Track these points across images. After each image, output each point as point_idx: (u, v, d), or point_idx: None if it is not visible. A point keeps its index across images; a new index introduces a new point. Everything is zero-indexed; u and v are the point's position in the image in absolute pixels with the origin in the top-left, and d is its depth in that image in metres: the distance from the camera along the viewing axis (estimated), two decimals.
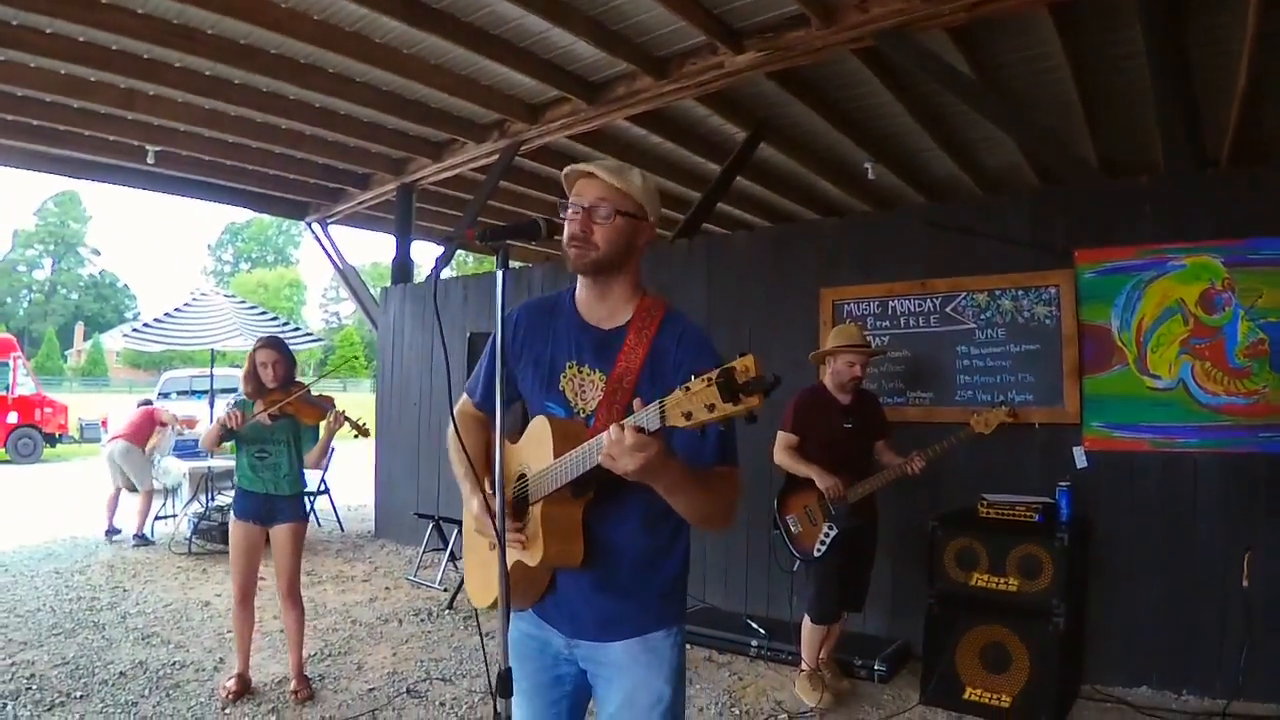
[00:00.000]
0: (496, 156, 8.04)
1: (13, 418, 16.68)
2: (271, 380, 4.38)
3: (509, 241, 1.91)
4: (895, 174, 8.94)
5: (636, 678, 1.95)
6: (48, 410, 17.49)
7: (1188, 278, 4.36)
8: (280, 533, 4.36)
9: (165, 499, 9.19)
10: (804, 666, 4.41)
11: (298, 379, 4.59)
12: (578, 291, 2.04)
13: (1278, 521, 4.10)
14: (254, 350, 4.43)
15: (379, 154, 8.63)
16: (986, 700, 4.02)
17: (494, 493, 1.85)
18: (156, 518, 8.75)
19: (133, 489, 8.56)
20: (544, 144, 7.89)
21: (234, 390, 17.21)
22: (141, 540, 8.34)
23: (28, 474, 14.83)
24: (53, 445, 17.66)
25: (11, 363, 16.88)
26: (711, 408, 1.43)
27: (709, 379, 1.43)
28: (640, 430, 1.58)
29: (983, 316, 4.94)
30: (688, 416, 1.47)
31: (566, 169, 2.00)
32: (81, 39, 5.96)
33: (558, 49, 6.20)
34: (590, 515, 1.91)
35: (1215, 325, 4.31)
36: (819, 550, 4.28)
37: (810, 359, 4.78)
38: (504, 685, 1.77)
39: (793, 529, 4.42)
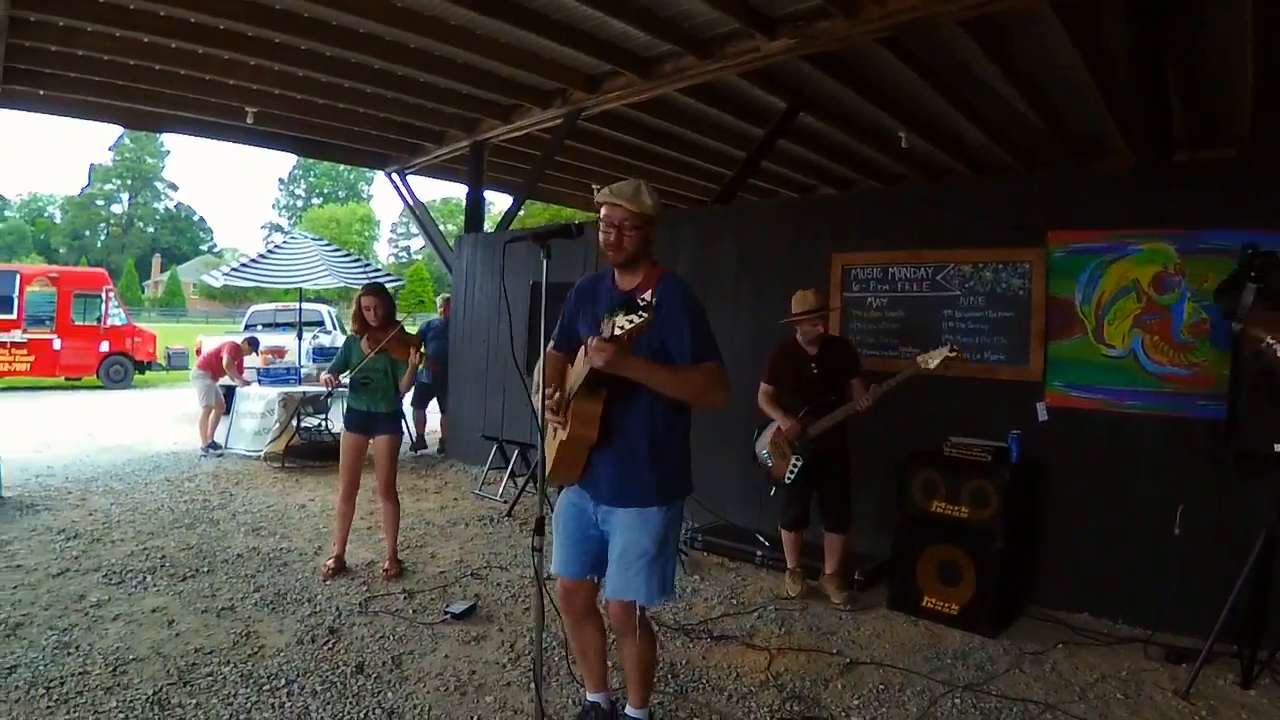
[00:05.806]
0: (560, 120, 8.80)
1: (105, 346, 17.82)
2: (374, 320, 5.32)
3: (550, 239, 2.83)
4: (930, 143, 9.43)
5: (631, 536, 2.88)
6: (137, 340, 18.71)
7: (1144, 261, 4.85)
8: (379, 443, 5.33)
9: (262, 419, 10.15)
10: (788, 566, 5.32)
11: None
12: (615, 271, 2.96)
13: (1208, 479, 4.53)
14: (360, 296, 5.38)
15: (453, 114, 9.35)
16: (939, 608, 4.76)
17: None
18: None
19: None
20: (603, 111, 8.59)
21: (319, 323, 18.23)
22: (211, 449, 9.55)
23: (121, 398, 16.05)
24: (141, 372, 18.92)
25: (104, 295, 18.07)
26: (631, 320, 2.36)
27: (623, 307, 2.40)
28: (602, 339, 2.49)
29: (966, 285, 5.52)
30: (620, 327, 2.39)
31: (597, 197, 2.89)
32: (193, 20, 6.76)
33: (613, 31, 6.86)
34: (611, 409, 2.82)
35: (1165, 304, 4.80)
36: (789, 478, 5.09)
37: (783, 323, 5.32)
38: (540, 526, 2.79)
39: (768, 462, 5.25)
